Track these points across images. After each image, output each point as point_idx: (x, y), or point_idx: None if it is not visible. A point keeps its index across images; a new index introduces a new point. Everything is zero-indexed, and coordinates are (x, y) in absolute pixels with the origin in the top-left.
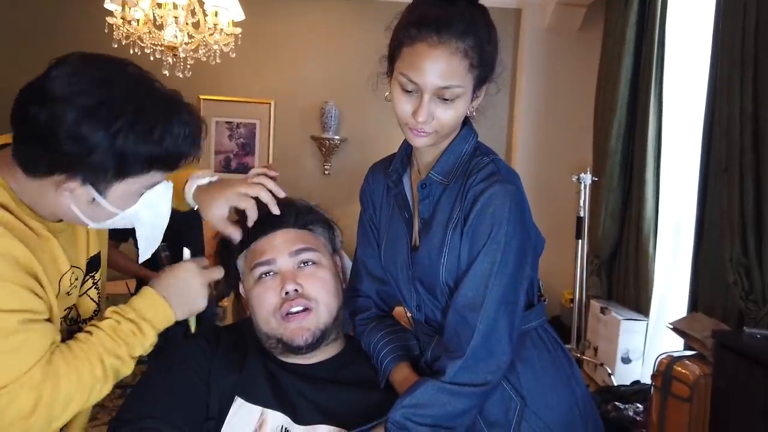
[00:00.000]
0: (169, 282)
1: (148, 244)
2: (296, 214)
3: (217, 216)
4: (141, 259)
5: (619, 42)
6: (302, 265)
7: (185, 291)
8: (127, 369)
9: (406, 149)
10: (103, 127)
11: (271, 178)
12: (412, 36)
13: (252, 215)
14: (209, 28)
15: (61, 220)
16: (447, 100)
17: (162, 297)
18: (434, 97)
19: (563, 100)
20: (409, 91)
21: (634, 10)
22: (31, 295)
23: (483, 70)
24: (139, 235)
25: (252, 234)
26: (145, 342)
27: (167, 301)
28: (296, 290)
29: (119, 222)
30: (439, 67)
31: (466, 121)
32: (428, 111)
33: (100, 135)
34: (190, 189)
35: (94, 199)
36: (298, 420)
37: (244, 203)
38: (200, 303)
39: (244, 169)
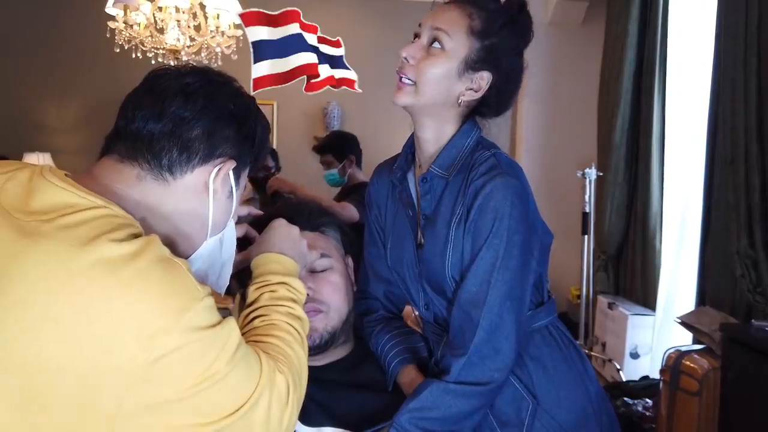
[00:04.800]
0: (273, 241)
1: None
2: (308, 215)
3: None
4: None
5: (622, 36)
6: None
7: (291, 242)
8: (307, 324)
9: (410, 147)
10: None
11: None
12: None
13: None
14: (211, 31)
15: None
16: (435, 48)
17: (281, 254)
18: (427, 45)
19: (566, 95)
20: (417, 36)
21: (636, 4)
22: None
23: (482, 47)
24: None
25: None
26: (301, 294)
27: (286, 255)
28: (307, 294)
29: (225, 241)
30: (442, 12)
31: (469, 116)
32: (416, 48)
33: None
34: None
35: (231, 191)
36: (306, 421)
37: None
38: (305, 249)
39: None
